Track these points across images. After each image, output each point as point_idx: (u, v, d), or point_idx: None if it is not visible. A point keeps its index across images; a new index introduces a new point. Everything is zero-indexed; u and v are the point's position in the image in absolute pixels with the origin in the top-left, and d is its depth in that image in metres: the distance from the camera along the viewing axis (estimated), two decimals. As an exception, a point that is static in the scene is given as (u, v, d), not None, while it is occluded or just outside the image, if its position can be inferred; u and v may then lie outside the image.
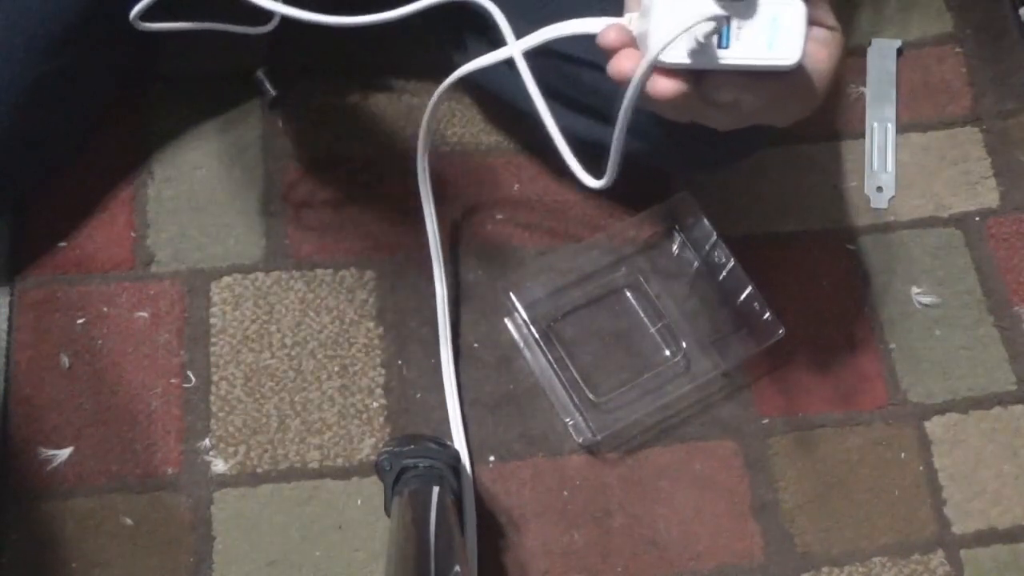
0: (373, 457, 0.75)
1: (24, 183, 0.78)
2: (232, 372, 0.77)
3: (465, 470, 0.74)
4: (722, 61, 0.46)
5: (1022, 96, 0.91)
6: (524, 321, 0.75)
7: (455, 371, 0.77)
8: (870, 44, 0.92)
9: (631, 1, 0.50)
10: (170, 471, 0.74)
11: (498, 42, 0.58)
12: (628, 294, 0.81)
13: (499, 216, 0.83)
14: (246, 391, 0.76)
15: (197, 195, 0.82)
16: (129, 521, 0.72)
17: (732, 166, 0.81)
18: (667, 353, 0.79)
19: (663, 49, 0.45)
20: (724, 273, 0.79)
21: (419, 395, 0.77)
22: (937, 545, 0.76)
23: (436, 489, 0.65)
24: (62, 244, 0.79)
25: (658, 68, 0.47)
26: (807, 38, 0.47)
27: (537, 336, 0.75)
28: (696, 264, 0.82)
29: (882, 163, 0.88)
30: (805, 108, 0.51)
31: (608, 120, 0.51)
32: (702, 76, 0.47)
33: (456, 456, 0.71)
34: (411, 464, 0.67)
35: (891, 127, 0.89)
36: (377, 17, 0.58)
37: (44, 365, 0.76)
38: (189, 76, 0.85)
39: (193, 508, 0.73)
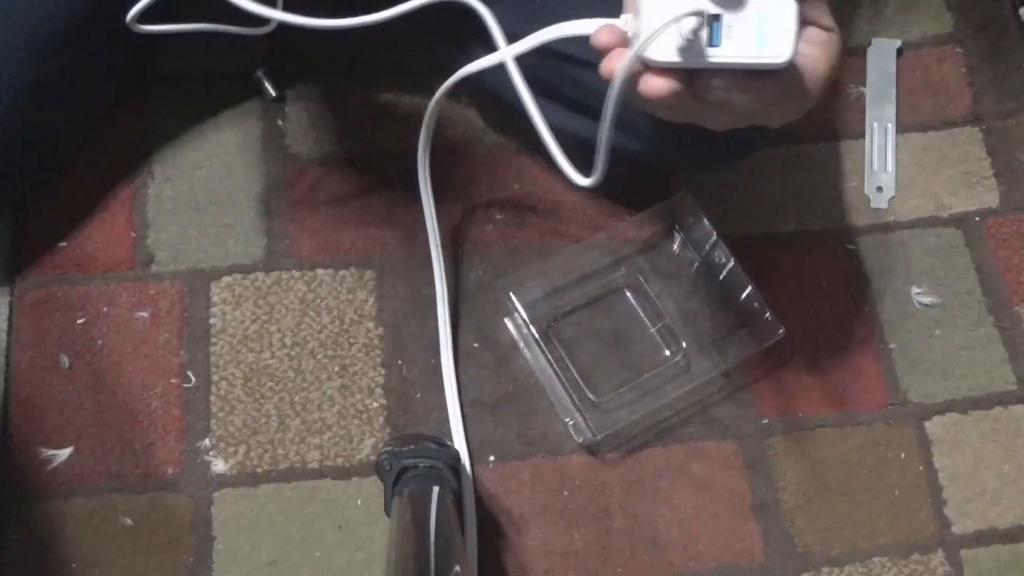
0: (373, 457, 0.75)
1: (24, 183, 0.78)
2: (232, 372, 0.77)
3: (465, 470, 0.74)
4: (713, 59, 0.46)
5: (1022, 96, 0.91)
6: (524, 321, 0.75)
7: (455, 371, 0.77)
8: (870, 44, 0.92)
9: (629, 2, 0.50)
10: (170, 471, 0.74)
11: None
12: (628, 294, 0.81)
13: (499, 216, 0.83)
14: (246, 391, 0.76)
15: (197, 195, 0.82)
16: (129, 521, 0.72)
17: (732, 166, 0.81)
18: (667, 353, 0.79)
19: (647, 43, 0.45)
20: (724, 273, 0.79)
21: (419, 395, 0.77)
22: (937, 545, 0.76)
23: (436, 489, 0.65)
24: (62, 244, 0.79)
25: (651, 67, 0.47)
26: (799, 37, 0.47)
27: (537, 336, 0.75)
28: (696, 264, 0.82)
29: (882, 163, 0.88)
30: (799, 108, 0.50)
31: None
32: (695, 75, 0.48)
33: (456, 456, 0.71)
34: (411, 464, 0.67)
35: (891, 127, 0.89)
36: (369, 19, 0.58)
37: (44, 365, 0.76)
38: (189, 76, 0.85)
39: (193, 508, 0.73)
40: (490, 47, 0.59)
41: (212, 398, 0.76)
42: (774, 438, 0.78)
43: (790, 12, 0.46)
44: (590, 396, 0.77)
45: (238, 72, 0.85)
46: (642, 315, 0.80)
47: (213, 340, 0.78)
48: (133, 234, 0.80)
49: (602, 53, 0.49)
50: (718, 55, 0.46)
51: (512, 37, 0.57)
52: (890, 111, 0.90)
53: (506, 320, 0.80)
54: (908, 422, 0.80)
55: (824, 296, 0.83)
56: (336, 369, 0.78)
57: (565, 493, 0.75)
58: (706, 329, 0.80)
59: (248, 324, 0.78)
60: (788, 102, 0.50)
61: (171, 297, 0.79)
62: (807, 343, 0.81)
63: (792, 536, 0.76)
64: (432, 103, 0.77)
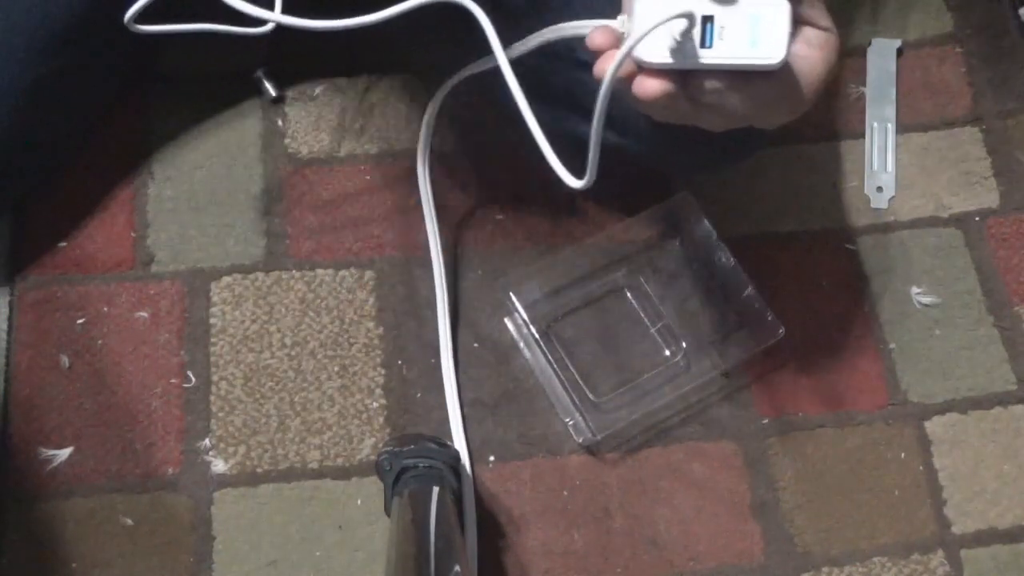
0: (373, 457, 0.75)
1: (24, 183, 0.78)
2: (232, 372, 0.77)
3: (465, 470, 0.74)
4: (705, 60, 0.46)
5: (1022, 96, 0.91)
6: (524, 321, 0.75)
7: (455, 371, 0.77)
8: (870, 44, 0.92)
9: (626, 3, 0.50)
10: (170, 471, 0.74)
11: (500, 44, 0.58)
12: (628, 294, 0.81)
13: (499, 216, 0.83)
14: (246, 391, 0.76)
15: (197, 195, 0.82)
16: (129, 521, 0.72)
17: (732, 168, 0.81)
18: (667, 353, 0.79)
19: (636, 43, 0.45)
20: (724, 273, 0.79)
21: (419, 395, 0.77)
22: (937, 545, 0.76)
23: (436, 489, 0.65)
24: (62, 244, 0.79)
25: (644, 69, 0.47)
26: (793, 38, 0.47)
27: (537, 336, 0.75)
28: (696, 264, 0.82)
29: (882, 163, 0.88)
30: (795, 110, 0.50)
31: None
32: (688, 77, 0.48)
33: (456, 456, 0.71)
34: (411, 464, 0.67)
35: (891, 127, 0.89)
36: (367, 19, 0.58)
37: (44, 365, 0.76)
38: (189, 76, 0.85)
39: (193, 508, 0.73)
40: (491, 47, 0.59)
41: (212, 398, 0.76)
42: (774, 438, 0.78)
43: (783, 13, 0.46)
44: (590, 396, 0.77)
45: (238, 72, 0.85)
46: (642, 315, 0.80)
47: (213, 340, 0.78)
48: (133, 234, 0.80)
49: (597, 54, 0.49)
50: (710, 56, 0.46)
51: (509, 37, 0.57)
52: (890, 111, 0.90)
53: (506, 320, 0.80)
54: (908, 422, 0.80)
55: (824, 296, 0.83)
56: (336, 369, 0.78)
57: (565, 493, 0.75)
58: (706, 329, 0.80)
59: (248, 324, 0.78)
60: (783, 103, 0.49)
61: (171, 297, 0.79)
62: (807, 343, 0.81)
63: (792, 536, 0.76)
64: (432, 103, 0.77)
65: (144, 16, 0.60)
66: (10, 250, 0.79)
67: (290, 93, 0.86)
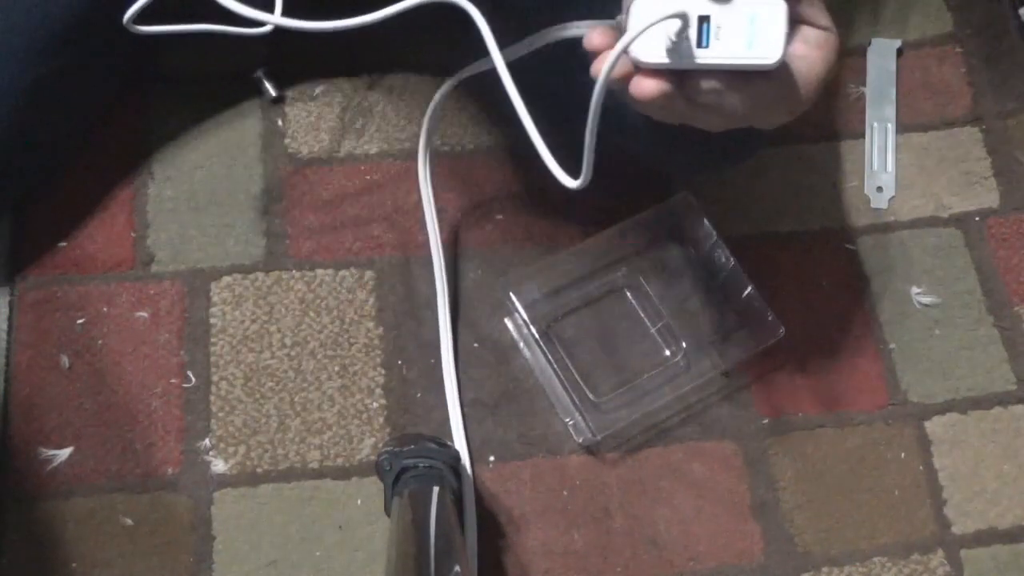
0: (373, 457, 0.75)
1: (24, 183, 0.78)
2: (232, 372, 0.77)
3: (465, 470, 0.74)
4: (702, 60, 0.46)
5: (1022, 96, 0.91)
6: (524, 321, 0.75)
7: (455, 371, 0.78)
8: (870, 44, 0.92)
9: (625, 3, 0.50)
10: (170, 471, 0.74)
11: (501, 43, 0.58)
12: (628, 294, 0.81)
13: (499, 216, 0.83)
14: (246, 391, 0.76)
15: (197, 195, 0.82)
16: (129, 521, 0.72)
17: (732, 168, 0.81)
18: (667, 353, 0.79)
19: (629, 43, 0.45)
20: (724, 273, 0.79)
21: (419, 395, 0.77)
22: (937, 545, 0.76)
23: (436, 489, 0.65)
24: (62, 244, 0.79)
25: (641, 69, 0.47)
26: (790, 38, 0.47)
27: (537, 336, 0.75)
28: (696, 264, 0.82)
29: (882, 163, 0.88)
30: (793, 110, 0.50)
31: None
32: (685, 77, 0.48)
33: (456, 456, 0.71)
34: (411, 464, 0.67)
35: (891, 127, 0.89)
36: (365, 20, 0.58)
37: (44, 365, 0.76)
38: (189, 76, 0.85)
39: (193, 508, 0.73)
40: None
41: (212, 398, 0.76)
42: (774, 438, 0.78)
43: (780, 13, 0.46)
44: (590, 396, 0.77)
45: (238, 72, 0.85)
46: (642, 315, 0.80)
47: (213, 340, 0.78)
48: (133, 234, 0.80)
49: (594, 55, 0.49)
50: (707, 56, 0.46)
51: (514, 35, 0.57)
52: (890, 111, 0.90)
53: (506, 320, 0.80)
54: (908, 422, 0.80)
55: (824, 296, 0.83)
56: (336, 369, 0.78)
57: (565, 493, 0.75)
58: (706, 329, 0.80)
59: (248, 324, 0.78)
60: (782, 103, 0.49)
61: (171, 297, 0.79)
62: (807, 343, 0.81)
63: (792, 536, 0.76)
64: (432, 103, 0.77)
65: (144, 16, 0.60)
66: (10, 250, 0.79)
67: (290, 93, 0.86)
